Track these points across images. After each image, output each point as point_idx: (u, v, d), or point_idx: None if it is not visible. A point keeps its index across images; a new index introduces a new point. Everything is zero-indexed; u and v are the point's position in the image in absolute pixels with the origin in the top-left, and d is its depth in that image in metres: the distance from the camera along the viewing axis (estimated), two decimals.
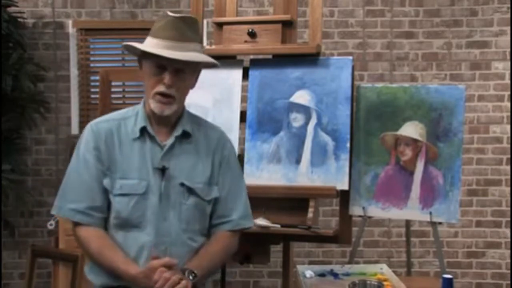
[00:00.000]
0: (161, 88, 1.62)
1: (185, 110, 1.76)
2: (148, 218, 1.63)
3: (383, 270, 2.25)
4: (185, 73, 1.64)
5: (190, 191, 1.68)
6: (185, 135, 1.71)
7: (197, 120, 1.79)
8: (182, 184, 1.67)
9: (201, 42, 1.69)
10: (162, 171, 1.65)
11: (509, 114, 3.84)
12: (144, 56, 1.65)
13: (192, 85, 1.73)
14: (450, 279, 1.80)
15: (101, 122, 1.70)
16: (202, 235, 1.73)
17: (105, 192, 1.65)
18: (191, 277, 1.58)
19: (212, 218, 1.75)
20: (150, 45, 1.62)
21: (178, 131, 1.69)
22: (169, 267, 1.55)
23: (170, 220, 1.65)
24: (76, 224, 1.66)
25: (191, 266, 1.62)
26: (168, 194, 1.65)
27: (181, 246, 1.66)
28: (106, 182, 1.64)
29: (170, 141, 1.68)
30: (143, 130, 1.67)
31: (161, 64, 1.61)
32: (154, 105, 1.64)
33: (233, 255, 2.48)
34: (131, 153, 1.66)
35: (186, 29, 1.63)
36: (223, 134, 1.82)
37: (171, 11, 4.25)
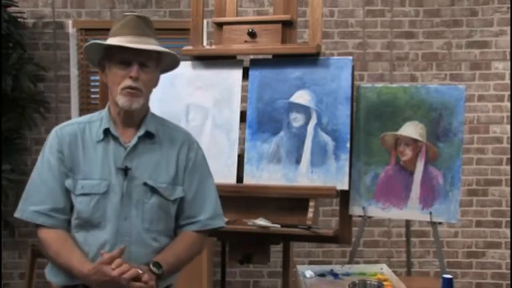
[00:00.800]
0: (127, 83, 1.64)
1: (149, 111, 1.78)
2: (108, 217, 1.64)
3: (383, 270, 2.25)
4: (148, 67, 1.68)
5: (153, 190, 1.69)
6: (149, 136, 1.73)
7: (161, 121, 1.81)
8: (145, 184, 1.68)
9: (157, 40, 1.73)
10: (125, 171, 1.66)
11: (509, 114, 3.84)
12: (107, 56, 1.69)
13: (155, 82, 1.75)
14: (450, 279, 1.80)
15: (66, 126, 1.73)
16: (166, 236, 1.74)
17: (68, 193, 1.66)
18: (155, 268, 1.59)
19: (179, 219, 1.76)
20: (112, 42, 1.66)
21: (141, 131, 1.71)
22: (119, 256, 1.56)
23: (132, 219, 1.66)
24: (39, 226, 1.66)
25: (156, 259, 1.64)
26: (130, 193, 1.66)
27: (142, 245, 1.67)
28: (68, 183, 1.66)
29: (133, 141, 1.70)
30: (106, 132, 1.70)
31: (125, 59, 1.65)
32: (122, 100, 1.65)
33: (233, 255, 2.50)
34: (94, 155, 1.68)
35: (144, 26, 1.69)
36: (189, 136, 1.83)
37: (171, 11, 4.25)
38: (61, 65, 3.92)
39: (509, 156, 3.85)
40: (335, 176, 2.43)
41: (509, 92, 3.84)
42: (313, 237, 2.38)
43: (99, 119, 1.73)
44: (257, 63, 2.60)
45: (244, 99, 2.57)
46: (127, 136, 1.71)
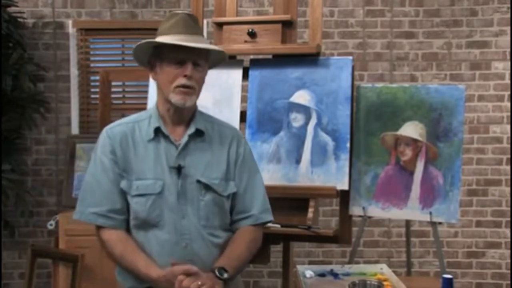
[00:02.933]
0: (182, 81, 1.66)
1: (197, 109, 1.79)
2: (166, 217, 1.66)
3: (383, 270, 2.25)
4: (200, 66, 1.69)
5: (207, 187, 1.70)
6: (199, 133, 1.74)
7: (210, 119, 1.82)
8: (198, 181, 1.69)
9: (204, 37, 1.76)
10: (178, 169, 1.68)
11: (509, 114, 3.84)
12: (158, 55, 1.69)
13: (204, 80, 1.76)
14: (450, 279, 1.80)
15: (116, 126, 1.74)
16: (224, 230, 1.75)
17: (124, 194, 1.68)
18: (225, 275, 1.60)
19: (232, 214, 1.78)
20: (165, 41, 1.66)
21: (191, 129, 1.72)
22: (188, 274, 1.56)
23: (189, 217, 1.67)
24: (99, 227, 1.69)
25: (221, 264, 1.64)
26: (185, 192, 1.68)
27: (202, 242, 1.68)
28: (123, 184, 1.67)
29: (184, 139, 1.71)
30: (157, 131, 1.71)
31: (180, 58, 1.65)
32: (175, 98, 1.67)
33: None
34: (146, 154, 1.69)
35: (194, 24, 1.70)
36: (237, 131, 1.85)
37: (171, 12, 4.23)
38: (61, 65, 3.92)
39: (509, 156, 3.85)
40: (335, 176, 2.43)
41: (509, 92, 3.84)
42: (313, 237, 2.38)
43: (147, 117, 1.74)
44: (257, 63, 2.60)
45: (244, 99, 2.57)
46: (177, 134, 1.72)
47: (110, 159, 1.68)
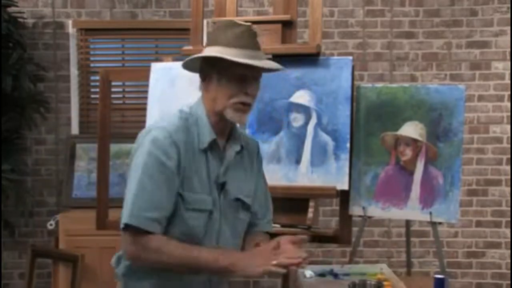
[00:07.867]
0: (242, 98, 1.57)
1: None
2: (209, 234, 1.58)
3: (383, 270, 2.25)
4: (258, 81, 1.62)
5: (244, 205, 1.66)
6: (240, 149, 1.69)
7: (240, 131, 1.75)
8: (237, 199, 1.64)
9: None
10: (222, 186, 1.61)
11: (509, 114, 3.84)
12: (217, 66, 1.57)
13: None
14: (442, 279, 1.80)
15: (176, 133, 1.56)
16: None
17: (175, 204, 1.54)
18: None
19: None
20: (230, 55, 1.53)
21: (237, 146, 1.66)
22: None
23: (225, 236, 1.62)
24: (137, 234, 1.48)
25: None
26: (225, 209, 1.62)
27: None
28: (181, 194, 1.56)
29: (231, 156, 1.64)
30: (211, 142, 1.60)
31: (243, 74, 1.56)
32: (232, 114, 1.57)
33: None
34: (200, 166, 1.58)
35: (256, 38, 1.61)
36: (258, 144, 1.82)
37: (171, 11, 4.23)
38: (61, 65, 3.92)
39: (509, 156, 3.85)
40: (335, 176, 2.43)
41: (509, 92, 3.84)
42: (313, 237, 2.38)
43: (193, 124, 1.60)
44: None
45: None
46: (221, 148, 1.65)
47: (176, 166, 1.52)
